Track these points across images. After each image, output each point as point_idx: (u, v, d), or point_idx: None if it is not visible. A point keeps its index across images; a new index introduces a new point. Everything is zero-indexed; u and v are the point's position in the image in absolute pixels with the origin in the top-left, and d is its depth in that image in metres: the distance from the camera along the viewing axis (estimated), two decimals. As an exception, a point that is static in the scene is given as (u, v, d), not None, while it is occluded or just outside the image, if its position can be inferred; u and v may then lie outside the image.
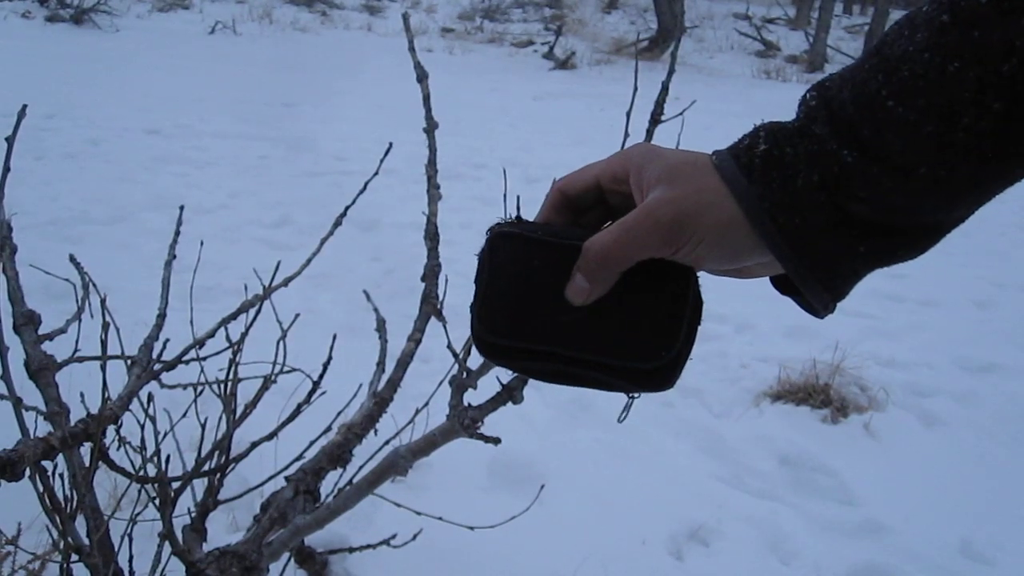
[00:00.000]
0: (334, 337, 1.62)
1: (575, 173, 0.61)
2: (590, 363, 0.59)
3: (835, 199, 0.53)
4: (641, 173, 0.57)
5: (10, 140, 1.49)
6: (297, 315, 1.64)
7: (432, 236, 1.47)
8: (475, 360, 1.35)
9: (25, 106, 1.53)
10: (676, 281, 0.58)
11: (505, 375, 1.35)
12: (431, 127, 1.54)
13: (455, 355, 1.31)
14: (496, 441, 1.22)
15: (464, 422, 1.22)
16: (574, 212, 0.62)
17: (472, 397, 1.28)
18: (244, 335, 1.59)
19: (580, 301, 0.57)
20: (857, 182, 0.53)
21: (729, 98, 9.69)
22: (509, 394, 1.22)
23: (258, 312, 1.60)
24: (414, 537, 1.73)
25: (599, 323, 0.58)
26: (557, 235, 0.59)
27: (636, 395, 0.62)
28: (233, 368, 1.57)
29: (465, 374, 1.30)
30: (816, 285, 0.57)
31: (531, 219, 0.62)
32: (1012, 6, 0.48)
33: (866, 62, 0.54)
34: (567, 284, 0.57)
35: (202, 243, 1.83)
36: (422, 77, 1.54)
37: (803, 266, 0.56)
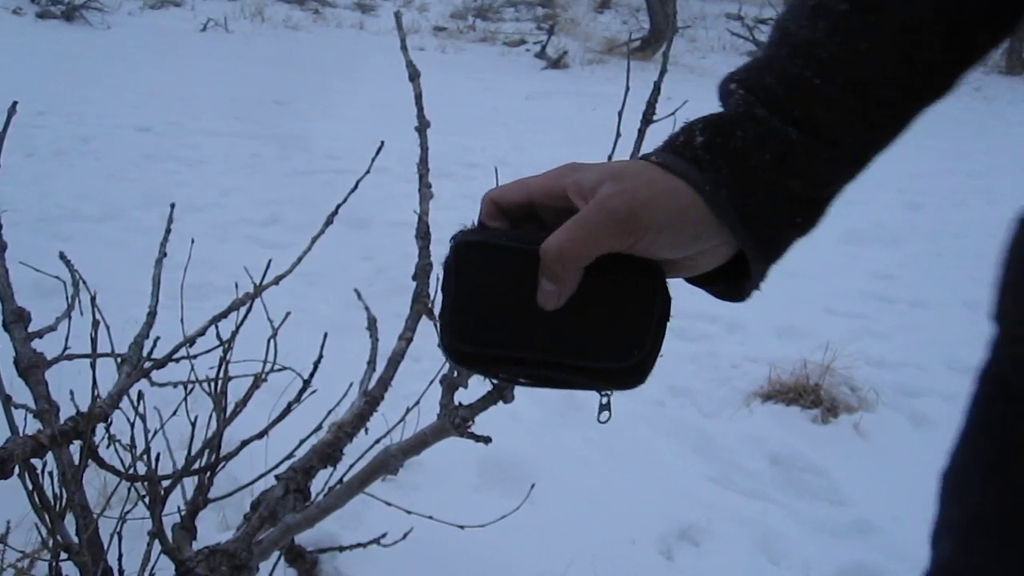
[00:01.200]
0: (325, 336, 1.62)
1: (508, 186, 0.61)
2: (562, 366, 0.59)
3: (781, 177, 0.58)
4: (580, 182, 0.57)
5: (1, 137, 1.48)
6: (288, 313, 1.63)
7: (423, 235, 1.47)
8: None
9: (15, 103, 1.53)
10: (642, 279, 0.58)
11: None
12: (423, 126, 1.54)
13: (446, 354, 1.31)
14: (487, 440, 1.22)
15: (455, 421, 1.22)
16: (508, 223, 0.62)
17: (463, 396, 1.28)
18: (235, 333, 1.58)
19: (552, 305, 0.56)
20: (801, 157, 0.57)
21: (721, 98, 9.63)
22: (500, 393, 1.22)
23: (249, 310, 1.60)
24: (404, 536, 1.73)
25: (569, 326, 0.57)
26: (521, 240, 0.58)
27: (609, 393, 0.63)
28: (224, 366, 1.57)
29: (456, 373, 1.30)
30: (764, 263, 0.60)
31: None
32: None
33: (776, 51, 0.60)
34: (538, 292, 0.56)
35: (193, 241, 1.82)
36: (414, 76, 1.54)
37: (758, 245, 0.58)
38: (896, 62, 0.57)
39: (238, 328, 1.58)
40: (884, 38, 0.57)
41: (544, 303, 0.56)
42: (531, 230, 0.59)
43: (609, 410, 0.64)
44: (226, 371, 1.58)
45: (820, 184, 0.59)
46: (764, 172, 0.57)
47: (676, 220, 0.56)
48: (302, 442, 1.54)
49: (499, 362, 0.60)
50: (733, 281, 0.62)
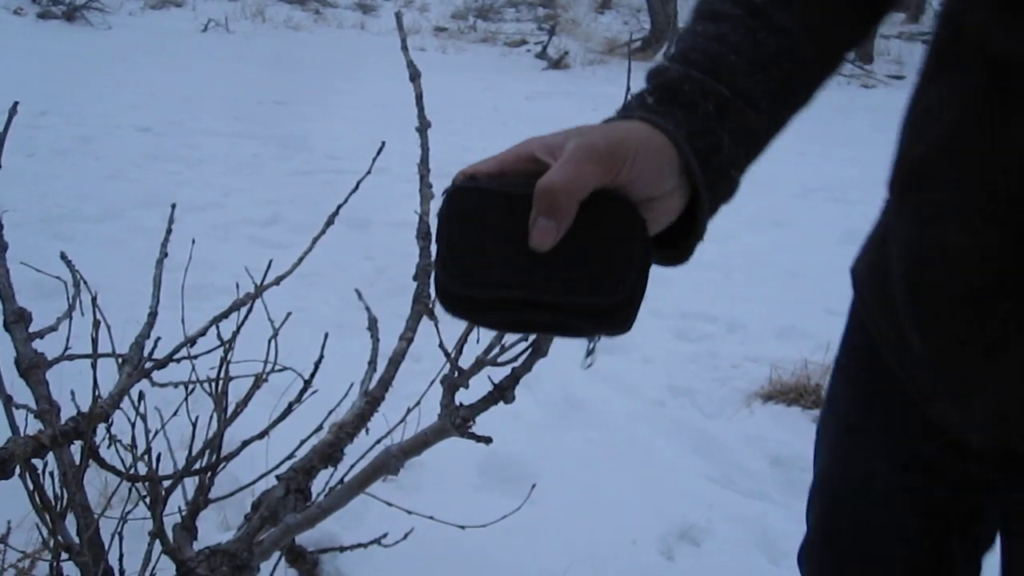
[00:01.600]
0: (326, 336, 1.62)
1: (480, 162, 0.65)
2: (551, 306, 0.61)
3: (720, 127, 0.66)
4: (547, 142, 0.62)
5: (2, 137, 1.49)
6: (289, 314, 1.64)
7: (424, 235, 1.47)
8: (467, 359, 1.35)
9: (16, 103, 1.53)
10: (622, 217, 0.61)
11: (497, 375, 1.35)
12: (423, 126, 1.54)
13: (447, 354, 1.31)
14: (487, 440, 1.22)
15: (455, 421, 1.22)
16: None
17: (463, 396, 1.28)
18: (235, 334, 1.58)
19: (549, 243, 0.58)
20: (734, 112, 0.67)
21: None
22: (500, 393, 1.22)
23: (249, 311, 1.60)
24: (405, 536, 1.73)
25: (557, 264, 0.60)
26: (510, 185, 0.61)
27: (597, 338, 0.66)
28: (224, 367, 1.57)
29: (456, 373, 1.30)
30: (712, 210, 0.67)
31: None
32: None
33: (693, 41, 0.71)
34: (531, 233, 0.59)
35: (193, 241, 1.82)
36: (415, 76, 1.54)
37: (709, 185, 0.65)
38: (786, 47, 0.70)
39: (239, 328, 1.58)
40: (770, 31, 0.70)
41: (541, 242, 0.58)
42: (518, 177, 0.62)
43: (595, 353, 0.68)
44: (227, 371, 1.58)
45: (749, 141, 0.69)
46: (709, 120, 0.66)
47: (648, 150, 0.62)
48: (303, 442, 1.54)
49: (488, 305, 0.62)
50: (673, 248, 0.69)
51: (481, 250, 0.61)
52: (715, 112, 0.66)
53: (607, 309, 0.61)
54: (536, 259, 0.59)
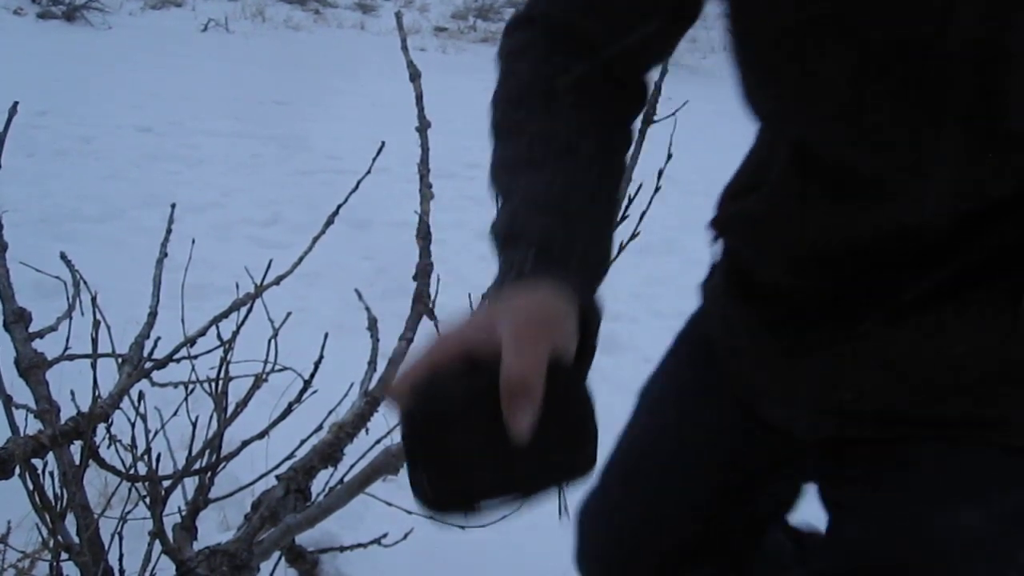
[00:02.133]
0: (325, 336, 1.62)
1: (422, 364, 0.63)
2: (536, 485, 0.62)
3: (591, 259, 0.72)
4: (481, 330, 0.62)
5: (1, 137, 1.49)
6: (289, 314, 1.64)
7: (424, 235, 1.47)
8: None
9: (16, 103, 1.53)
10: (565, 375, 0.61)
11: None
12: (423, 126, 1.54)
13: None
14: (487, 440, 1.22)
15: (455, 421, 1.22)
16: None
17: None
18: (235, 334, 1.59)
19: (527, 425, 0.58)
20: (588, 242, 0.73)
21: (721, 99, 9.65)
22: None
23: (249, 311, 1.60)
24: (405, 536, 1.72)
25: (534, 445, 0.59)
26: (462, 386, 0.60)
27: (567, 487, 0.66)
28: (224, 367, 1.57)
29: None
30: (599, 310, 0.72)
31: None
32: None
33: (528, 188, 0.74)
34: (512, 424, 0.58)
35: (193, 242, 1.82)
36: (415, 76, 1.54)
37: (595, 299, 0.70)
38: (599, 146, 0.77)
39: (239, 328, 1.58)
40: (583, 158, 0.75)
41: (523, 431, 0.58)
42: (455, 377, 0.61)
43: (564, 506, 0.74)
44: (227, 371, 1.58)
45: (604, 243, 0.75)
46: (584, 261, 0.69)
47: (562, 304, 0.63)
48: (303, 442, 1.54)
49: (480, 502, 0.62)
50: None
51: (458, 459, 0.60)
52: (582, 253, 0.69)
53: (581, 461, 0.62)
54: (513, 449, 0.58)
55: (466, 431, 0.59)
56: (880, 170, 0.71)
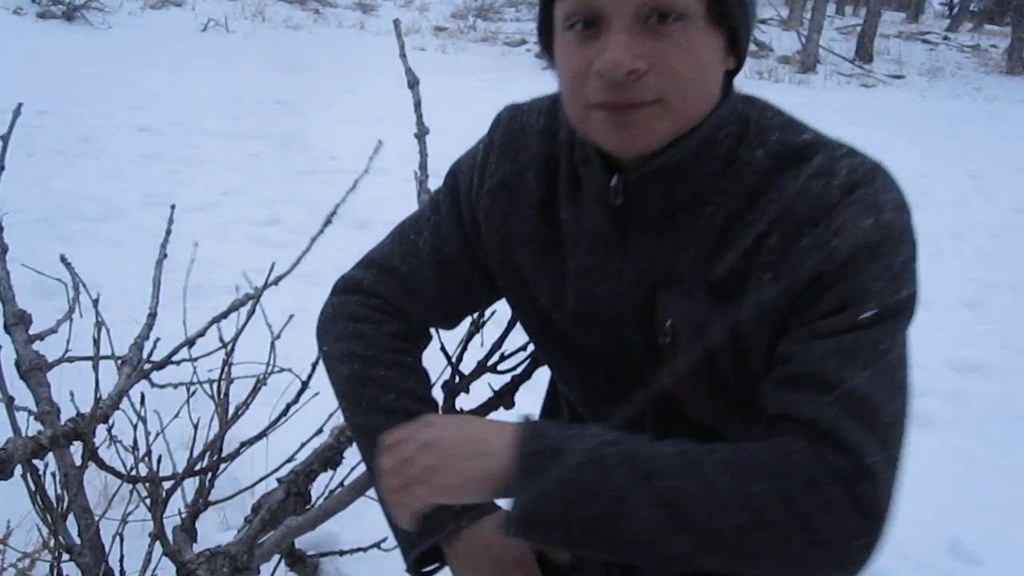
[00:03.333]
0: (326, 337, 1.61)
1: None
2: None
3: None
4: None
5: (5, 138, 1.49)
6: (291, 316, 1.64)
7: (424, 237, 1.46)
8: (467, 365, 1.35)
9: (20, 104, 1.53)
10: None
11: (497, 381, 1.36)
12: (422, 132, 1.54)
13: (448, 359, 1.31)
14: (487, 442, 1.22)
15: (456, 423, 1.21)
16: None
17: (464, 401, 1.28)
18: (236, 336, 1.59)
19: None
20: None
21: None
22: (500, 399, 1.22)
23: (251, 313, 1.60)
24: (405, 537, 1.72)
25: None
26: None
27: None
28: (226, 368, 1.57)
29: (457, 378, 1.31)
30: None
31: None
32: None
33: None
34: None
35: (196, 244, 1.82)
36: (413, 83, 1.54)
37: None
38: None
39: (240, 331, 1.59)
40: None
41: None
42: None
43: None
44: (228, 373, 1.58)
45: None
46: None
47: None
48: (303, 445, 1.54)
49: None
50: None
51: None
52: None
53: None
54: None
55: None
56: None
